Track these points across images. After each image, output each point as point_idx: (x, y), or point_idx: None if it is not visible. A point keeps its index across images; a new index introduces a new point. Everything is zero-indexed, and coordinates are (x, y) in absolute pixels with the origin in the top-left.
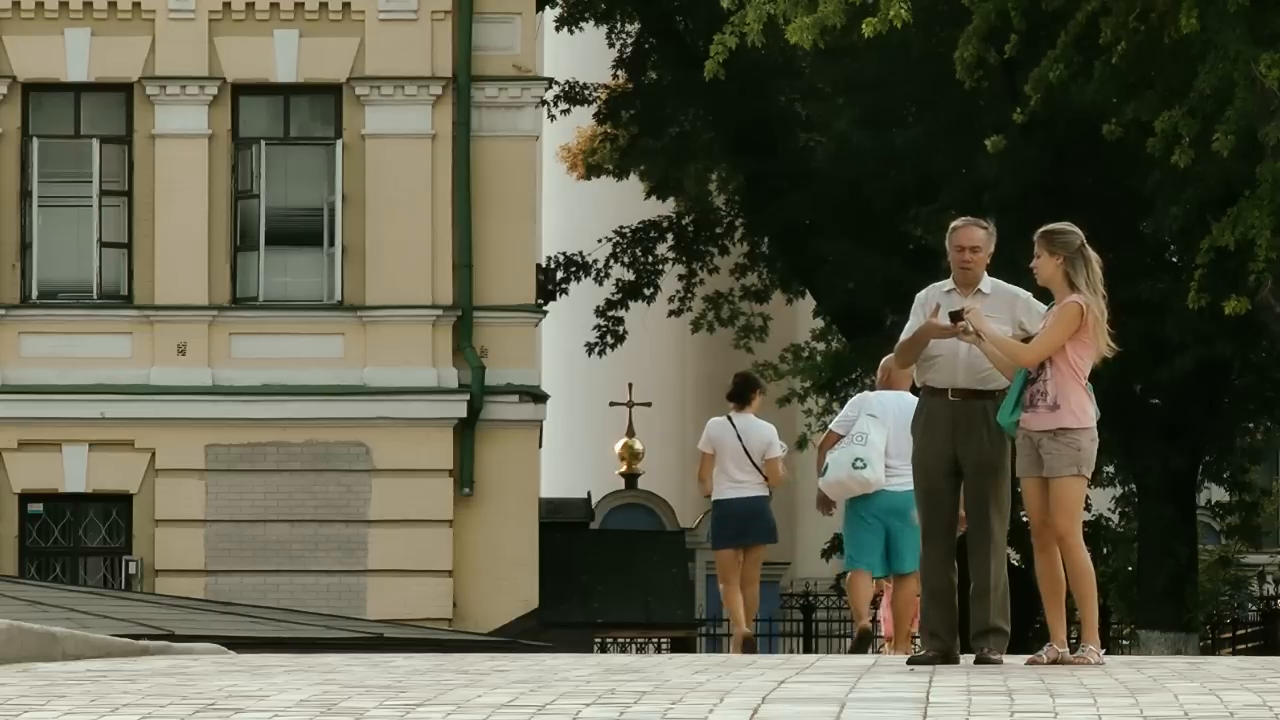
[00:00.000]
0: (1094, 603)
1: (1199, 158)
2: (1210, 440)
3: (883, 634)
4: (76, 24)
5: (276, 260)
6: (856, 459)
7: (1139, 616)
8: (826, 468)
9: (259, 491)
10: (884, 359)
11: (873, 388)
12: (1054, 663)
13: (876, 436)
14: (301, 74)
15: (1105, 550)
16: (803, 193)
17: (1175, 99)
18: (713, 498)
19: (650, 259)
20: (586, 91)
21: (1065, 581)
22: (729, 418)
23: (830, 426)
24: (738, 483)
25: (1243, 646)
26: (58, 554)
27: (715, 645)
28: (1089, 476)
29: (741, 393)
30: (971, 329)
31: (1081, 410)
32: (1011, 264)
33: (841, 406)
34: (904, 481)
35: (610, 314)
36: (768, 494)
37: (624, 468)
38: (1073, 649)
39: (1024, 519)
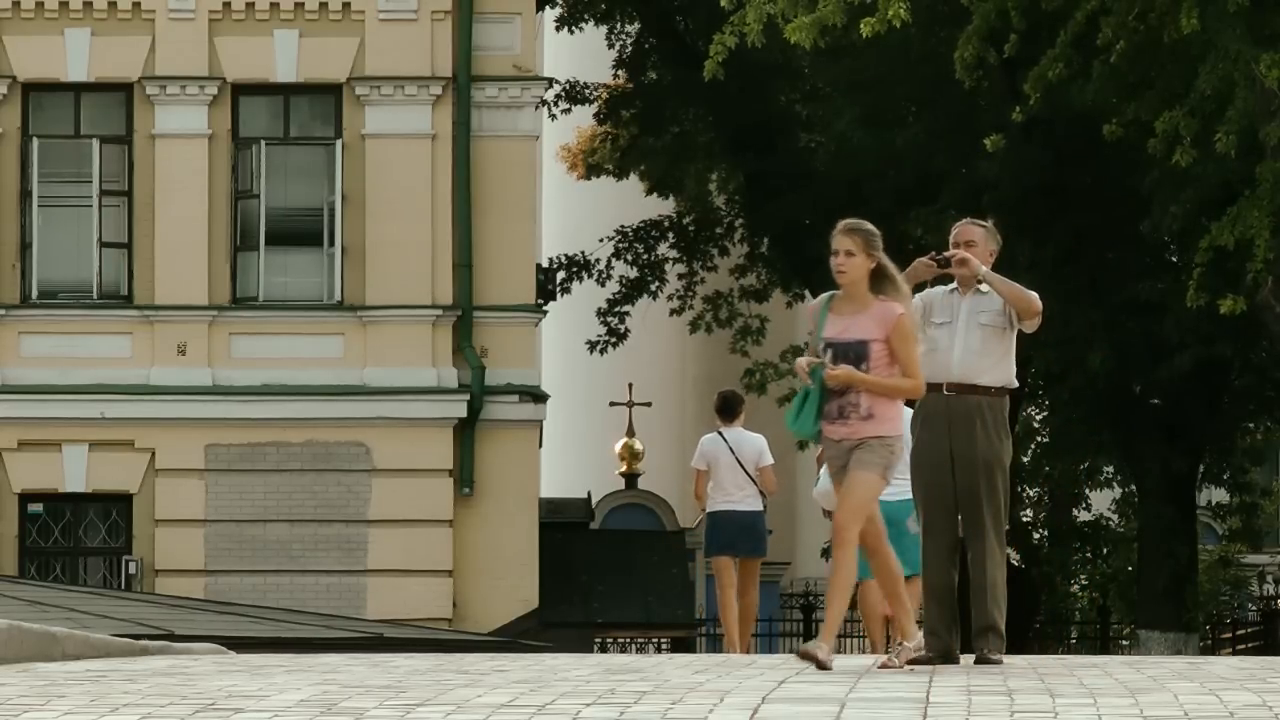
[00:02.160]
0: (844, 603)
1: (1198, 158)
2: (1210, 441)
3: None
4: (76, 24)
5: (276, 260)
6: None
7: (1139, 616)
8: (818, 478)
9: (259, 491)
10: None
11: None
12: (915, 661)
13: None
14: (301, 74)
15: (1105, 550)
16: (802, 193)
17: (1175, 99)
18: (707, 510)
19: (652, 256)
20: (586, 91)
21: (900, 575)
22: (719, 433)
23: None
24: (732, 496)
25: (1243, 646)
26: (58, 554)
27: (715, 645)
28: (888, 483)
29: (730, 408)
30: (965, 262)
31: (897, 417)
32: (1011, 263)
33: None
34: (896, 491)
35: (616, 310)
36: (762, 507)
37: (624, 468)
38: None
39: (1023, 519)
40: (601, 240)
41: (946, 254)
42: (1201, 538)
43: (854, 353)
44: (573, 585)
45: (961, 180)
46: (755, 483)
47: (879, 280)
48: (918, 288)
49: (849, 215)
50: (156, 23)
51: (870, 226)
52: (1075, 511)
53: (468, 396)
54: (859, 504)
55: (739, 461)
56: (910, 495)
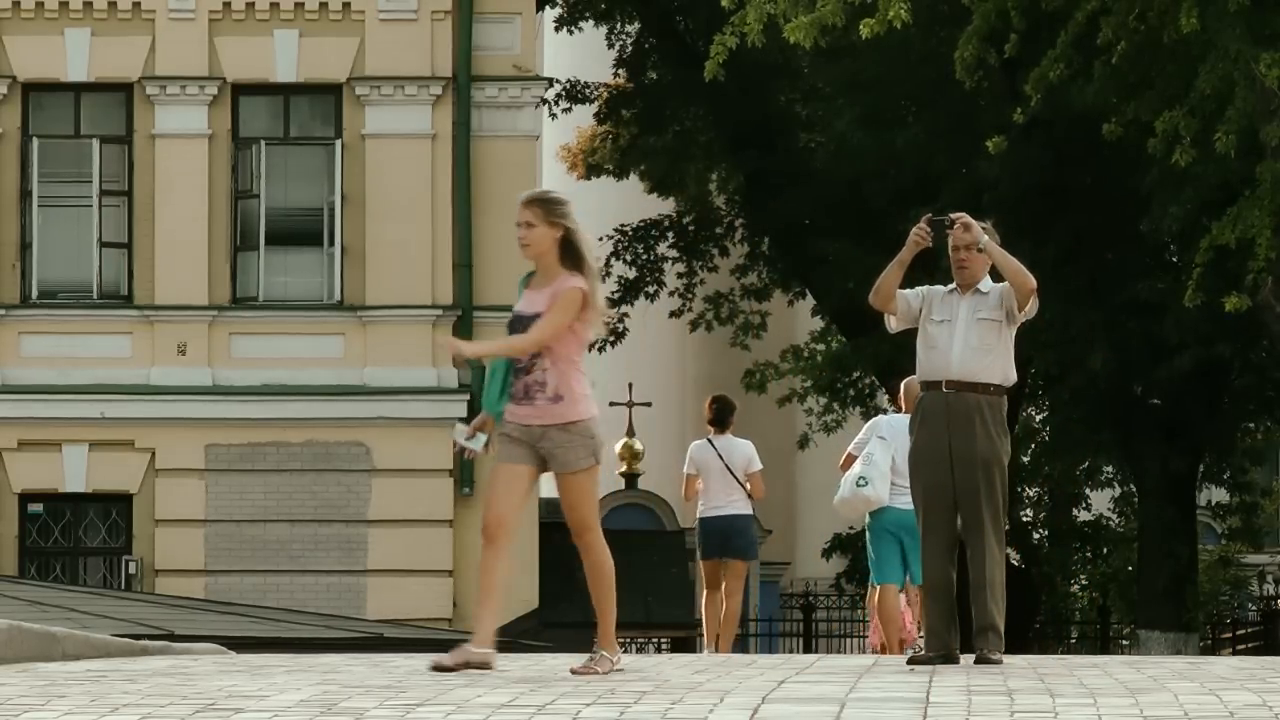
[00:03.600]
0: (613, 604)
1: (1198, 157)
2: (1210, 441)
3: (869, 639)
4: (76, 24)
5: (276, 260)
6: (860, 478)
7: (1139, 616)
8: (837, 487)
9: (259, 491)
10: (905, 380)
11: (871, 389)
12: (466, 665)
13: (881, 456)
14: (301, 74)
15: (1105, 550)
16: (802, 192)
17: (1175, 99)
18: (698, 515)
19: (651, 256)
20: (587, 91)
21: (497, 581)
22: (709, 440)
23: (848, 449)
24: (721, 502)
25: (1243, 646)
26: (58, 554)
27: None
28: (601, 463)
29: (721, 417)
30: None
31: (586, 399)
32: None
33: (840, 407)
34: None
35: (614, 309)
36: (751, 512)
37: (624, 468)
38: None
39: (1023, 519)
40: (601, 239)
41: (949, 217)
42: (1201, 538)
43: (533, 325)
44: (573, 585)
45: (961, 180)
46: (744, 488)
47: (568, 252)
48: (921, 254)
49: (849, 215)
50: (156, 23)
51: (554, 195)
52: (1075, 511)
53: (468, 396)
54: (591, 505)
55: (729, 468)
56: None
